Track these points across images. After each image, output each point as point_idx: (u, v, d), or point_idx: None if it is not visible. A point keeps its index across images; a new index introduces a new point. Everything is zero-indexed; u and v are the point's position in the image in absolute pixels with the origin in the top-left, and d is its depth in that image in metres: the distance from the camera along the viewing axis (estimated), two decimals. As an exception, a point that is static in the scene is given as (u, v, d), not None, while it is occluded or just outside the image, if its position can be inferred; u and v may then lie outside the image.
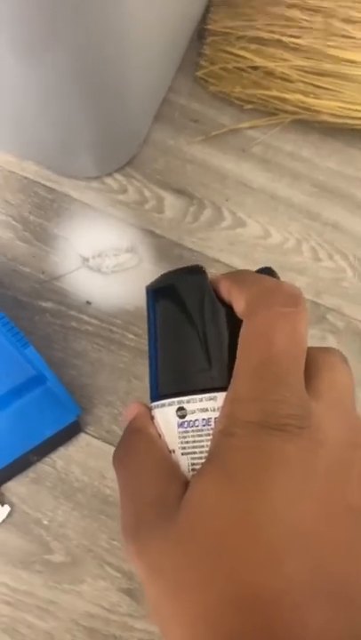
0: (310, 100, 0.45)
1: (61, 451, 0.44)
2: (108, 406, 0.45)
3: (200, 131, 0.48)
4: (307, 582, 0.19)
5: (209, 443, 0.22)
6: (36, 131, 0.41)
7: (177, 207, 0.47)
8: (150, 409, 0.24)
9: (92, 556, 0.43)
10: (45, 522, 0.43)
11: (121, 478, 0.23)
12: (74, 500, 0.43)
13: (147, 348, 0.25)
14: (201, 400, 0.22)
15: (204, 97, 0.49)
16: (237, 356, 0.22)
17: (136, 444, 0.23)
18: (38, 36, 0.30)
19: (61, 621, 0.42)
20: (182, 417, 0.22)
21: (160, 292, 0.24)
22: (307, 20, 0.44)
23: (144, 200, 0.47)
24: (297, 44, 0.44)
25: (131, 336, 0.45)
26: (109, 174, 0.47)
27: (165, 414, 0.23)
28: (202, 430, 0.22)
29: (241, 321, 0.22)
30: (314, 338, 0.46)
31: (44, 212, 0.47)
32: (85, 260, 0.46)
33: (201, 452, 0.22)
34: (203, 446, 0.22)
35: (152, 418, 0.24)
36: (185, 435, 0.22)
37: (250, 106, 0.47)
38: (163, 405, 0.23)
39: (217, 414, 0.22)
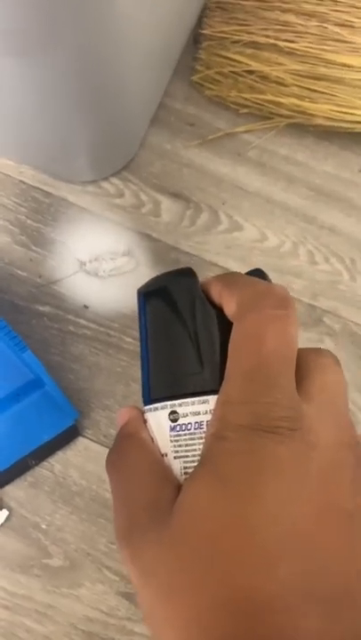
0: (305, 104, 0.45)
1: (59, 455, 0.44)
2: (106, 410, 0.45)
3: (196, 135, 0.49)
4: (300, 585, 0.19)
5: (201, 446, 0.22)
6: (32, 135, 0.42)
7: (174, 211, 0.47)
8: (143, 412, 0.24)
9: (90, 560, 0.43)
10: (44, 526, 0.43)
11: (114, 483, 0.23)
12: (72, 504, 0.43)
13: (143, 351, 0.25)
14: (193, 403, 0.22)
15: (200, 101, 0.49)
16: (228, 358, 0.22)
17: (128, 449, 0.23)
18: (33, 36, 0.30)
19: (60, 625, 0.42)
20: (174, 421, 0.22)
21: (151, 295, 0.24)
22: (302, 25, 0.44)
23: (141, 204, 0.47)
24: (292, 48, 0.44)
25: (128, 340, 0.45)
26: (106, 178, 0.48)
27: (158, 418, 0.23)
28: (194, 434, 0.22)
29: (232, 323, 0.22)
30: (311, 341, 0.46)
31: (41, 216, 0.47)
32: (82, 263, 0.46)
33: (193, 456, 0.22)
34: (195, 450, 0.22)
35: (145, 421, 0.24)
36: (177, 438, 0.22)
37: (245, 110, 0.47)
38: (155, 409, 0.23)
39: (209, 417, 0.22)
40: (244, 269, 0.40)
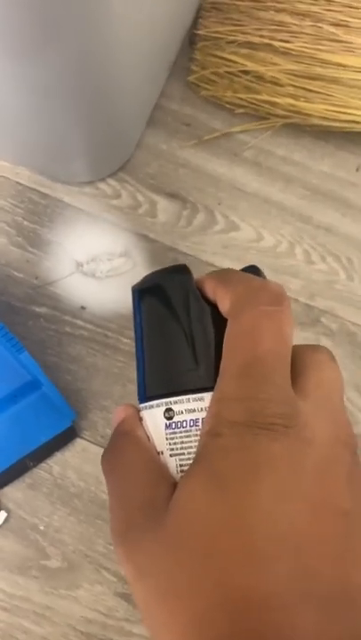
0: (301, 104, 0.45)
1: (57, 456, 0.44)
2: (103, 411, 0.45)
3: (192, 135, 0.49)
4: (296, 583, 0.19)
5: (197, 444, 0.22)
6: (28, 136, 0.42)
7: (170, 211, 0.47)
8: (139, 410, 0.24)
9: (88, 561, 0.43)
10: (42, 527, 0.43)
11: (109, 481, 0.23)
12: (70, 506, 0.43)
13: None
14: (188, 401, 0.22)
15: (196, 101, 0.49)
16: (223, 355, 0.22)
17: (124, 447, 0.23)
18: (28, 37, 0.30)
19: (58, 627, 0.42)
20: (170, 418, 0.22)
21: (146, 292, 0.24)
22: (296, 25, 0.44)
23: (137, 204, 0.47)
24: (287, 48, 0.44)
25: (125, 340, 0.45)
26: (102, 179, 0.48)
27: (153, 416, 0.23)
28: (190, 431, 0.22)
29: (226, 320, 0.22)
30: (308, 341, 0.46)
31: (37, 217, 0.47)
32: (79, 264, 0.46)
33: (189, 453, 0.22)
34: (191, 447, 0.22)
35: (141, 419, 0.24)
36: (173, 436, 0.22)
37: (241, 110, 0.47)
38: (151, 407, 0.23)
39: (204, 415, 0.22)
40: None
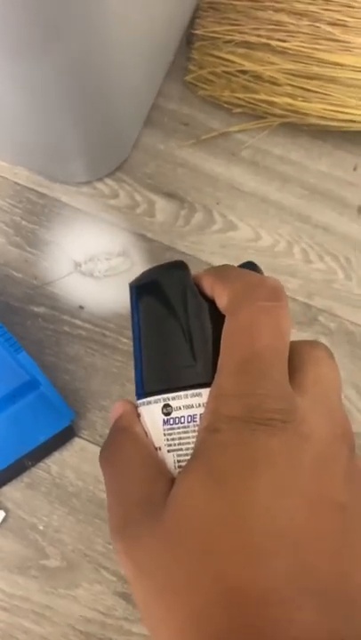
0: (299, 103, 0.45)
1: (56, 455, 0.44)
2: (102, 410, 0.45)
3: (190, 134, 0.49)
4: (294, 578, 0.19)
5: (195, 439, 0.22)
6: (26, 136, 0.42)
7: (168, 211, 0.47)
8: (137, 407, 0.24)
9: (87, 561, 0.43)
10: (41, 527, 0.43)
11: (107, 477, 0.23)
12: (69, 505, 0.43)
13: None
14: (186, 396, 0.22)
15: (194, 101, 0.49)
16: (221, 351, 0.22)
17: (122, 443, 0.23)
18: (25, 37, 0.30)
19: (58, 626, 0.42)
20: (168, 414, 0.22)
21: (143, 288, 0.24)
22: (294, 24, 0.44)
23: (135, 204, 0.47)
24: (284, 47, 0.44)
25: (124, 340, 0.45)
26: (100, 179, 0.48)
27: (151, 412, 0.23)
28: (187, 427, 0.22)
29: (224, 316, 0.22)
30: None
31: (35, 217, 0.47)
32: (77, 264, 0.46)
33: (187, 449, 0.22)
34: (189, 443, 0.22)
35: (139, 415, 0.24)
36: (171, 432, 0.22)
37: (239, 109, 0.47)
38: (148, 403, 0.23)
39: (202, 410, 0.22)
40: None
